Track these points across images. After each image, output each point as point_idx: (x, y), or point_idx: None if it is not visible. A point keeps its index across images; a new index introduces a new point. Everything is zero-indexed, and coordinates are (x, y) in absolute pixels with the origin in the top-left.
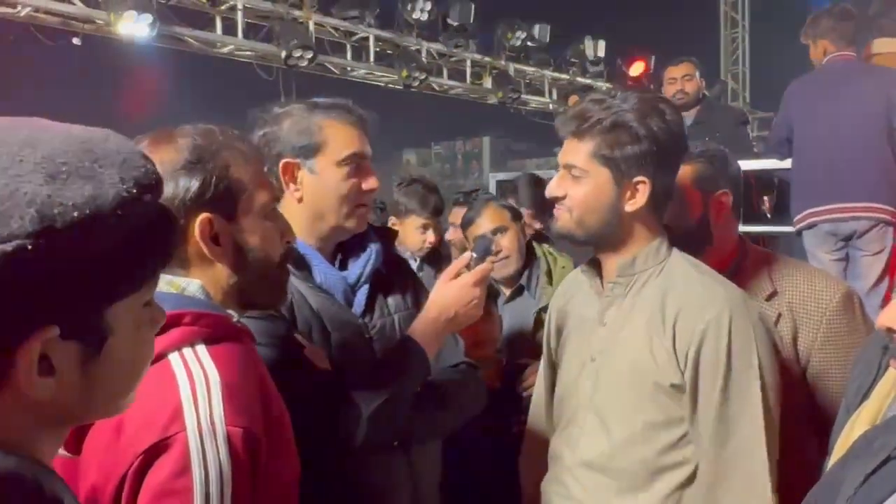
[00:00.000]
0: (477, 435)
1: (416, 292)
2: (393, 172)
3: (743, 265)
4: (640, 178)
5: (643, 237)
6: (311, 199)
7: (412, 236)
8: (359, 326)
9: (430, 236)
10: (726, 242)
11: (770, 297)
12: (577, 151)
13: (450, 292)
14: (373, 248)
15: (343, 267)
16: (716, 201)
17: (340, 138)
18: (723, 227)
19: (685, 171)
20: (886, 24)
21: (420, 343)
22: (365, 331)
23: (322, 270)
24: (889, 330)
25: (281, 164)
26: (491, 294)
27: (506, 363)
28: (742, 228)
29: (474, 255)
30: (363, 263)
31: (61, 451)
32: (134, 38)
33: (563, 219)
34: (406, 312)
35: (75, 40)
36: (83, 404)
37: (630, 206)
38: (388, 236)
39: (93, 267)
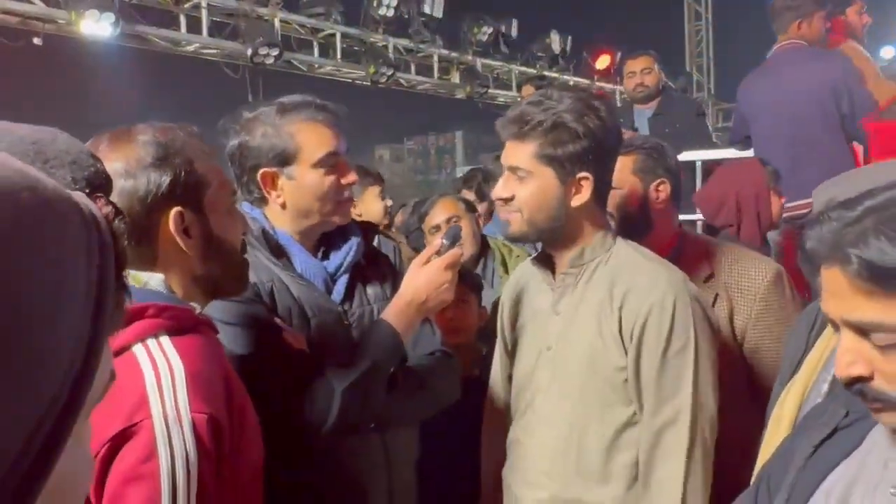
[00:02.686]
0: (453, 420)
1: (396, 284)
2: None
3: (683, 251)
4: (583, 174)
5: (590, 230)
6: (293, 202)
7: (375, 206)
8: (338, 313)
9: (388, 201)
10: (666, 229)
11: (707, 280)
12: (520, 153)
13: (421, 277)
14: (354, 241)
15: (325, 257)
16: (654, 190)
17: (314, 141)
18: (661, 214)
19: (625, 162)
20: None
21: (393, 325)
22: (344, 317)
23: (302, 260)
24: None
25: (259, 175)
26: (474, 285)
27: (485, 352)
28: (702, 216)
29: (444, 241)
30: (344, 254)
31: None
32: (96, 38)
33: (515, 221)
34: (385, 302)
35: (36, 40)
36: None
37: (576, 202)
38: (369, 230)
39: None
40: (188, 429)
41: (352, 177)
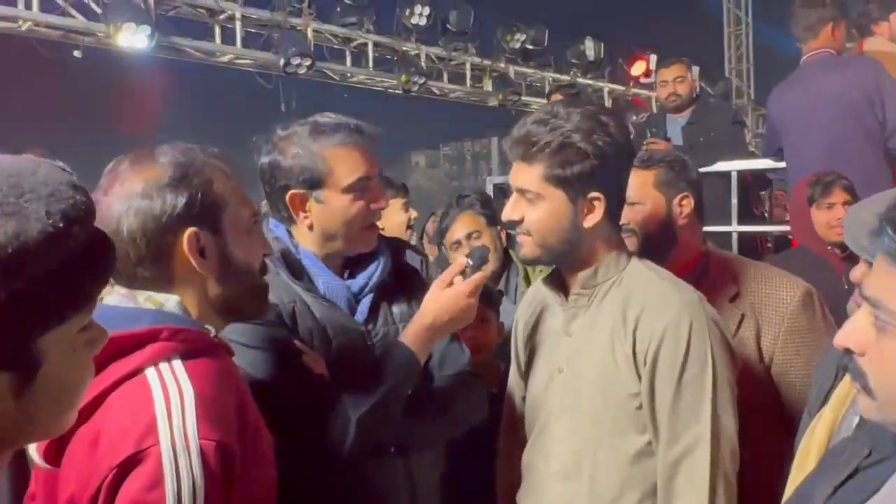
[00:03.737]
0: (472, 438)
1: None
2: (402, 175)
3: (707, 269)
4: (594, 193)
5: (604, 250)
6: (320, 225)
7: (398, 218)
8: (361, 333)
9: (413, 213)
10: (690, 246)
11: (734, 299)
12: (528, 175)
13: (444, 300)
14: (381, 260)
15: (352, 276)
16: (677, 204)
17: (345, 165)
18: (686, 229)
19: (646, 177)
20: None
21: (411, 348)
22: (368, 338)
23: (325, 280)
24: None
25: (288, 196)
26: (492, 300)
27: (504, 370)
28: (738, 228)
29: (470, 262)
30: (369, 274)
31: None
32: (134, 50)
33: (527, 245)
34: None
35: (76, 53)
36: (19, 429)
37: (589, 222)
38: (398, 247)
39: (20, 301)
40: (196, 456)
41: (382, 202)
